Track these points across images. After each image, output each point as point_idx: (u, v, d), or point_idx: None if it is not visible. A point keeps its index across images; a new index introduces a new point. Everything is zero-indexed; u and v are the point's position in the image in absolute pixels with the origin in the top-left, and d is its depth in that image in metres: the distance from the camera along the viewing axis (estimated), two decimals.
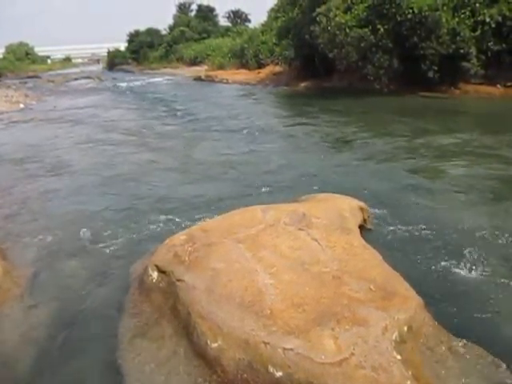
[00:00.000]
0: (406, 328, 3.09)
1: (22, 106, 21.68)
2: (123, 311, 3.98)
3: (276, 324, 3.06)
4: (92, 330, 3.94)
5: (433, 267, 4.56)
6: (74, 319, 4.10)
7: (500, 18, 16.35)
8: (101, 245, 5.52)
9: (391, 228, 5.47)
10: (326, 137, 11.20)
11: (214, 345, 3.08)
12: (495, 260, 4.60)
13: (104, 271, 4.88)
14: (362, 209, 5.31)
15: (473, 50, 16.69)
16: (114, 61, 65.37)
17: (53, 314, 4.17)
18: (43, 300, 4.39)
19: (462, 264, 4.54)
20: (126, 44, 66.80)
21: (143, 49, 60.19)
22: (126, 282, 4.46)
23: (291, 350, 2.86)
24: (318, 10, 20.21)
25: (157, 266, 4.09)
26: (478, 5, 16.74)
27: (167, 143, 11.07)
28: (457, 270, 4.47)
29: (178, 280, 3.75)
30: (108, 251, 5.36)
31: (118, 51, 68.32)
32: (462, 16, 16.86)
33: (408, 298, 3.35)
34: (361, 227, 4.97)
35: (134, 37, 63.87)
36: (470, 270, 4.44)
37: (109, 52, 70.00)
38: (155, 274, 4.06)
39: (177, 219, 6.05)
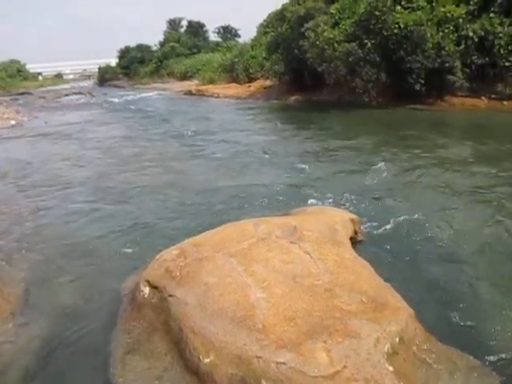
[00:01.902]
0: (397, 339, 3.09)
1: (13, 122, 21.58)
2: (115, 328, 3.94)
3: (268, 338, 3.05)
4: (83, 347, 3.90)
5: (424, 277, 4.59)
6: (65, 337, 4.05)
7: (482, 33, 16.73)
8: (92, 261, 5.49)
9: (383, 239, 5.49)
10: (317, 150, 11.25)
11: (207, 360, 3.06)
12: (488, 269, 4.64)
13: (95, 288, 4.84)
14: (353, 221, 5.33)
15: (457, 64, 17.00)
16: (105, 76, 65.46)
17: (44, 332, 4.12)
18: (34, 317, 4.34)
19: (454, 274, 4.56)
20: (117, 60, 67.05)
21: (134, 64, 60.39)
22: (118, 298, 4.42)
23: (284, 363, 2.85)
24: (307, 25, 20.48)
25: (148, 282, 4.06)
26: (460, 20, 17.12)
27: (156, 161, 10.90)
28: (448, 280, 4.49)
29: (170, 295, 3.73)
30: (99, 268, 5.32)
31: (108, 67, 68.46)
32: (446, 31, 17.20)
33: (399, 309, 3.36)
34: (352, 239, 4.98)
35: (124, 53, 64.12)
36: (462, 279, 4.46)
37: (100, 68, 70.17)
38: (147, 290, 4.03)
39: (170, 234, 6.04)
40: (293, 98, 23.45)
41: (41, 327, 4.19)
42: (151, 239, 6.05)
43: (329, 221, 5.02)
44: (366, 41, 18.21)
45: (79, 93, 43.23)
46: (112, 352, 3.64)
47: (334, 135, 13.01)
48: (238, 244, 4.31)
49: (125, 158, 11.50)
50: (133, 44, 64.30)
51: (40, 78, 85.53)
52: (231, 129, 15.47)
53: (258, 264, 3.93)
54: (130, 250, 5.74)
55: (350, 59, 18.53)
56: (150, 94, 38.17)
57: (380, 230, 5.76)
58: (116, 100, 33.72)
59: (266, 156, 10.87)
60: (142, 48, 62.24)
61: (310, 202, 6.93)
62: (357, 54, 18.33)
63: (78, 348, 3.89)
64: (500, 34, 16.49)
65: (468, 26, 16.97)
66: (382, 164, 9.28)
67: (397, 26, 17.34)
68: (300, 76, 23.31)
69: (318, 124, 15.32)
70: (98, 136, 15.65)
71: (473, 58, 16.98)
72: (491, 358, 3.33)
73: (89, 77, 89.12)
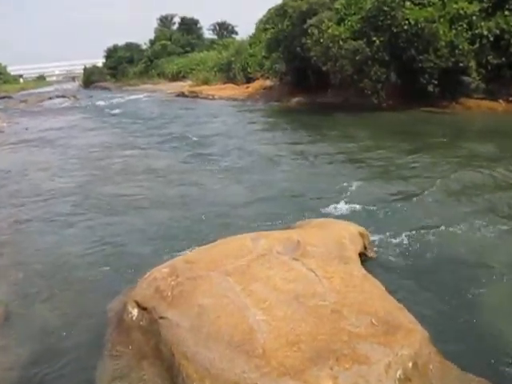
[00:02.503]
0: (410, 364, 3.08)
1: None
2: (101, 353, 3.93)
3: (269, 364, 3.03)
4: (67, 373, 3.89)
5: (441, 297, 4.57)
6: (48, 362, 4.04)
7: (498, 31, 16.87)
8: (76, 280, 5.48)
9: (395, 255, 5.49)
10: (322, 157, 11.28)
11: None
12: (509, 291, 4.62)
13: (79, 309, 4.83)
14: (362, 235, 5.33)
15: (472, 64, 17.11)
16: (91, 78, 65.74)
17: (25, 357, 4.12)
18: (16, 341, 4.34)
19: (473, 294, 4.55)
20: (104, 60, 67.39)
21: (122, 64, 60.76)
22: (104, 320, 4.41)
23: None
24: (310, 21, 20.63)
25: (137, 303, 4.05)
26: (474, 17, 17.26)
27: (144, 172, 10.89)
28: (467, 301, 4.47)
29: (161, 317, 3.72)
30: (84, 287, 5.31)
31: (94, 68, 68.85)
32: (459, 28, 17.33)
33: (412, 331, 3.34)
34: (361, 255, 4.98)
35: (112, 52, 64.49)
36: (482, 300, 4.44)
37: (85, 69, 70.46)
38: (135, 312, 4.02)
39: (159, 251, 6.03)
40: (295, 100, 23.55)
41: (22, 351, 4.18)
42: (139, 256, 6.04)
43: (335, 235, 5.01)
44: (374, 38, 18.33)
45: (63, 96, 43.39)
46: (98, 379, 3.62)
47: (342, 142, 13.04)
48: (235, 261, 4.30)
49: (111, 168, 11.49)
50: (121, 43, 64.86)
51: (21, 80, 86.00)
52: (227, 135, 15.50)
53: (257, 283, 3.92)
54: (116, 268, 5.73)
55: (357, 58, 18.64)
56: (139, 96, 38.35)
57: (393, 245, 5.75)
58: (102, 103, 33.85)
59: (265, 165, 10.90)
60: (130, 47, 62.66)
61: (314, 214, 6.93)
62: (364, 53, 18.45)
63: (60, 374, 3.87)
64: None
65: (482, 23, 17.10)
66: (394, 173, 9.31)
67: (407, 22, 17.46)
68: (303, 76, 23.44)
69: (323, 129, 15.38)
70: (81, 143, 15.68)
71: (488, 57, 17.09)
72: None
73: (73, 78, 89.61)
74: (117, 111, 27.10)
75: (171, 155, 12.75)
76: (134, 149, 14.04)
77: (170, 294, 3.95)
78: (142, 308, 3.99)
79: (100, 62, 70.47)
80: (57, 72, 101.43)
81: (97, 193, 9.31)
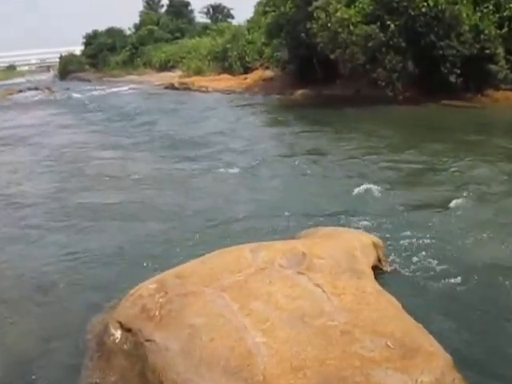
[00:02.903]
0: None
1: None
2: (80, 380, 3.92)
3: None
4: None
5: (465, 318, 4.58)
6: None
7: None
8: (51, 298, 5.49)
9: (413, 269, 5.49)
10: (332, 159, 11.32)
11: None
12: None
13: (55, 331, 4.84)
14: (376, 245, 5.33)
15: (500, 51, 17.17)
16: (68, 68, 65.94)
17: None
18: None
19: (501, 313, 4.55)
20: (83, 47, 67.50)
21: (103, 52, 60.88)
22: (82, 343, 4.42)
23: None
24: (316, 3, 20.70)
25: (120, 323, 4.05)
26: None
27: (127, 177, 10.83)
28: (494, 321, 4.47)
29: (147, 340, 3.71)
30: (59, 306, 5.32)
31: (72, 56, 69.01)
32: (485, 11, 17.39)
33: (433, 355, 3.34)
34: (375, 268, 4.98)
35: (91, 39, 64.67)
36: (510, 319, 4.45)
37: (61, 57, 70.68)
38: (118, 333, 4.02)
39: (145, 265, 6.04)
40: (299, 93, 23.61)
41: None
42: (122, 271, 6.06)
43: (346, 245, 5.02)
44: (388, 22, 18.41)
45: (35, 88, 43.48)
46: None
47: (354, 141, 13.09)
48: (231, 275, 4.30)
49: (89, 172, 11.48)
50: (102, 28, 64.99)
51: None
52: (223, 134, 15.48)
53: (256, 300, 3.92)
54: (95, 284, 5.74)
55: (370, 44, 18.71)
56: (123, 88, 38.42)
57: (411, 258, 5.75)
58: (80, 97, 33.93)
59: (266, 167, 10.92)
60: (112, 32, 62.82)
61: (322, 221, 6.94)
62: (377, 39, 18.51)
63: None
64: None
65: (511, 5, 17.14)
66: (414, 177, 9.30)
67: (425, 4, 17.55)
68: (308, 65, 23.52)
69: (332, 126, 15.41)
70: (56, 142, 15.66)
71: None
72: None
73: (48, 68, 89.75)
74: (97, 106, 27.14)
75: (159, 158, 12.71)
76: (116, 150, 14.00)
77: (157, 313, 3.94)
78: (126, 329, 3.98)
79: (78, 49, 70.58)
80: (29, 61, 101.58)
81: (73, 201, 9.30)
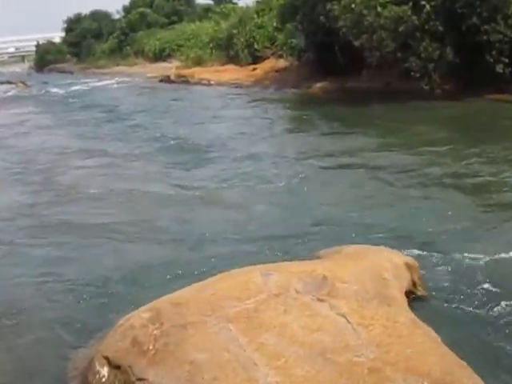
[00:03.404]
0: None
1: None
2: None
3: None
4: None
5: None
6: None
7: None
8: (27, 329, 5.51)
9: (455, 294, 5.47)
10: (358, 164, 11.36)
11: None
12: None
13: (31, 367, 4.84)
14: (410, 267, 5.32)
15: None
16: (46, 58, 66.32)
17: None
18: None
19: None
20: (63, 34, 67.95)
21: (87, 40, 61.28)
22: (63, 382, 4.41)
23: None
24: None
25: (107, 359, 4.06)
26: None
27: (115, 190, 10.79)
28: None
29: (140, 379, 3.72)
30: (37, 338, 5.33)
31: (51, 44, 69.46)
32: None
33: None
34: (409, 294, 4.98)
35: (73, 23, 65.16)
36: None
37: (38, 45, 71.09)
38: (105, 371, 4.03)
39: (137, 290, 6.05)
40: (318, 86, 23.63)
41: None
42: (110, 296, 6.08)
43: (374, 267, 5.00)
44: (422, 2, 18.40)
45: (8, 82, 43.82)
46: None
47: (385, 145, 13.06)
48: (238, 303, 4.29)
49: (68, 183, 11.47)
50: (86, 11, 65.46)
51: None
52: (231, 137, 15.43)
53: (268, 333, 3.91)
54: (78, 312, 5.77)
55: (401, 29, 18.70)
56: (110, 81, 38.66)
57: (452, 282, 5.74)
58: (60, 92, 34.16)
59: (280, 176, 10.94)
60: (98, 16, 63.30)
61: (346, 238, 6.93)
62: (410, 22, 18.51)
63: None
64: None
65: None
66: (455, 186, 9.28)
67: None
68: (328, 54, 23.49)
69: (360, 126, 15.39)
70: (29, 147, 15.71)
71: None
72: None
73: (23, 58, 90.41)
74: (79, 103, 27.32)
75: (156, 168, 12.67)
76: (101, 157, 13.94)
77: (151, 346, 3.95)
78: (114, 366, 3.99)
79: (58, 36, 71.04)
80: (0, 50, 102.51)
81: (49, 217, 9.34)
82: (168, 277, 6.41)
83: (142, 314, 4.35)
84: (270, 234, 7.72)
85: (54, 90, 35.67)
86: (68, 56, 63.84)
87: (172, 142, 15.33)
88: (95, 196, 10.48)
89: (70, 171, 12.66)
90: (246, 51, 33.90)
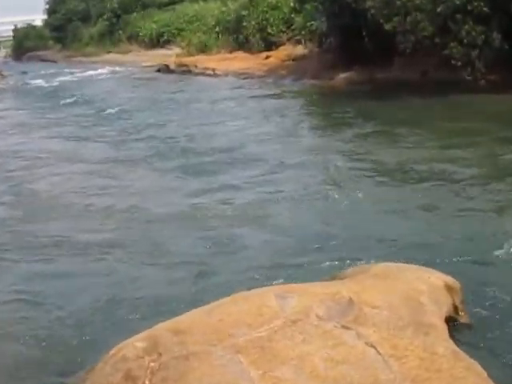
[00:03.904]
0: None
1: None
2: None
3: None
4: None
5: None
6: None
7: None
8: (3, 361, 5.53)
9: (504, 322, 5.45)
10: (389, 169, 11.44)
11: None
12: None
13: None
14: (451, 289, 5.30)
15: None
16: (25, 44, 66.64)
17: None
18: None
19: None
20: (45, 16, 68.29)
21: (73, 23, 61.42)
22: None
23: None
24: None
25: None
26: None
27: (105, 206, 10.63)
28: None
29: None
30: (15, 372, 5.36)
31: (30, 28, 69.71)
32: None
33: None
34: (450, 321, 4.95)
35: (57, 4, 65.33)
36: None
37: (16, 30, 71.45)
38: None
39: (131, 316, 6.07)
40: (342, 77, 23.58)
41: None
42: (99, 321, 6.12)
43: (408, 289, 4.99)
44: None
45: None
46: None
47: (418, 146, 12.98)
48: (249, 331, 4.29)
49: (46, 194, 11.47)
50: None
51: None
52: (248, 141, 15.01)
53: (285, 366, 3.91)
54: (61, 340, 5.82)
55: (439, 10, 18.69)
56: (99, 71, 38.83)
57: (501, 306, 5.73)
58: (42, 84, 34.36)
59: (299, 185, 10.95)
60: None
61: (375, 254, 6.93)
62: (450, 2, 18.49)
63: None
64: None
65: None
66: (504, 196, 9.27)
67: None
68: (354, 39, 23.48)
69: (396, 125, 15.25)
70: (3, 148, 15.71)
71: None
72: None
73: None
74: (63, 97, 27.33)
75: (152, 175, 12.59)
76: (87, 163, 13.83)
77: (147, 382, 3.96)
78: None
79: (39, 19, 71.42)
80: None
81: (26, 232, 9.40)
82: (167, 300, 6.44)
83: (136, 344, 4.36)
84: (286, 248, 7.79)
85: (35, 81, 35.88)
86: (51, 42, 64.03)
87: (173, 145, 15.06)
88: (80, 210, 10.46)
89: (50, 180, 12.64)
90: (257, 36, 33.88)
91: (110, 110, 22.60)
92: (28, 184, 12.39)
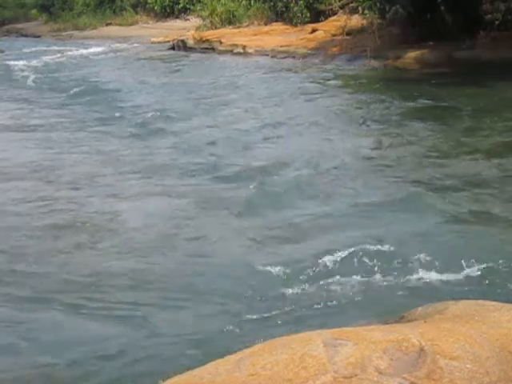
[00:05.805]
0: None
1: None
2: None
3: None
4: None
5: None
6: None
7: None
8: None
9: None
10: (472, 182, 11.53)
11: None
12: None
13: None
14: None
15: None
16: (1, 14, 67.48)
17: None
18: None
19: None
20: None
21: None
22: None
23: None
24: None
25: None
26: None
27: (107, 228, 10.85)
28: None
29: None
30: None
31: None
32: None
33: None
34: None
35: None
36: None
37: None
38: None
39: (134, 372, 6.16)
40: (413, 56, 23.55)
41: None
42: (100, 374, 6.16)
43: (498, 335, 4.98)
44: None
45: None
46: None
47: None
48: None
49: (39, 214, 11.59)
50: None
51: None
52: (302, 151, 14.42)
53: None
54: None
55: None
56: (95, 50, 38.94)
57: None
58: (22, 65, 34.62)
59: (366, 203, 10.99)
60: None
61: (452, 290, 6.92)
62: None
63: None
64: None
65: None
66: None
67: None
68: (426, 8, 23.46)
69: (475, 119, 15.43)
70: None
71: None
72: None
73: None
74: (49, 84, 27.47)
75: (171, 201, 12.20)
76: (87, 180, 13.54)
77: None
78: None
79: None
80: None
81: (29, 262, 9.55)
82: (184, 346, 6.51)
83: None
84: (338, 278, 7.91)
85: (14, 62, 36.10)
86: (34, 11, 64.76)
87: (199, 160, 14.36)
88: (80, 231, 10.65)
89: (41, 193, 12.82)
90: (301, 3, 33.90)
91: (106, 102, 22.70)
92: (16, 196, 12.63)
